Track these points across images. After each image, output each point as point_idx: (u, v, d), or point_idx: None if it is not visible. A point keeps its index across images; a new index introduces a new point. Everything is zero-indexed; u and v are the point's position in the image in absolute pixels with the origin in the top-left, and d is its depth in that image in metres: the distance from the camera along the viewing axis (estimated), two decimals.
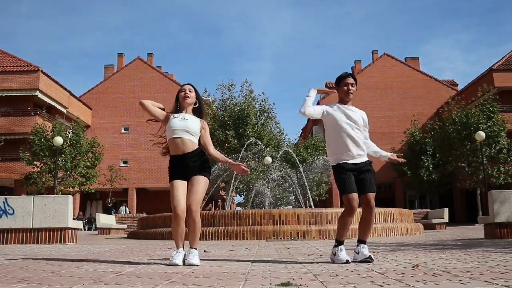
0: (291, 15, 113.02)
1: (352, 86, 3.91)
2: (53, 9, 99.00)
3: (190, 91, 3.92)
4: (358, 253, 3.68)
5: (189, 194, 3.68)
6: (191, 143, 3.77)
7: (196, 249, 3.66)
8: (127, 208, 29.34)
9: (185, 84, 3.97)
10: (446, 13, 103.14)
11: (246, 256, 4.13)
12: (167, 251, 5.38)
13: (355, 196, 3.67)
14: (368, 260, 3.58)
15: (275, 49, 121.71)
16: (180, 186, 3.71)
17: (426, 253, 4.31)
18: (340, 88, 3.95)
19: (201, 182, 3.72)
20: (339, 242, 3.71)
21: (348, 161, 3.79)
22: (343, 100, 3.95)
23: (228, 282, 2.49)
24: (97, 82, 37.79)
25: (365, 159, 3.87)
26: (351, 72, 3.94)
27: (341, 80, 3.96)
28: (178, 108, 3.95)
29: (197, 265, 3.48)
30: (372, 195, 3.76)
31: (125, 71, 37.59)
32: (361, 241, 3.76)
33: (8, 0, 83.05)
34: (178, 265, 3.48)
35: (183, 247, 3.68)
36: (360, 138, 3.88)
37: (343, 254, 3.61)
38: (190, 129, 3.76)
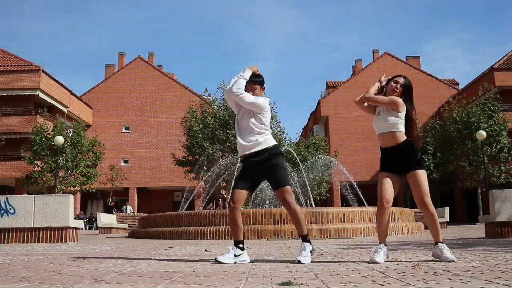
0: (292, 15, 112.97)
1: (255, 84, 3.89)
2: (55, 9, 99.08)
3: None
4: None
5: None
6: None
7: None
8: (131, 208, 29.37)
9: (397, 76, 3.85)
10: (447, 12, 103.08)
11: None
12: (168, 250, 5.39)
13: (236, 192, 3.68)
14: None
15: (276, 48, 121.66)
16: None
17: (427, 252, 4.31)
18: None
19: None
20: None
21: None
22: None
23: (229, 281, 2.49)
24: (98, 81, 37.85)
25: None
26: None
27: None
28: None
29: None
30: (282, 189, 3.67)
31: (125, 70, 37.60)
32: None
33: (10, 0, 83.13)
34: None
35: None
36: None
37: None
38: None
